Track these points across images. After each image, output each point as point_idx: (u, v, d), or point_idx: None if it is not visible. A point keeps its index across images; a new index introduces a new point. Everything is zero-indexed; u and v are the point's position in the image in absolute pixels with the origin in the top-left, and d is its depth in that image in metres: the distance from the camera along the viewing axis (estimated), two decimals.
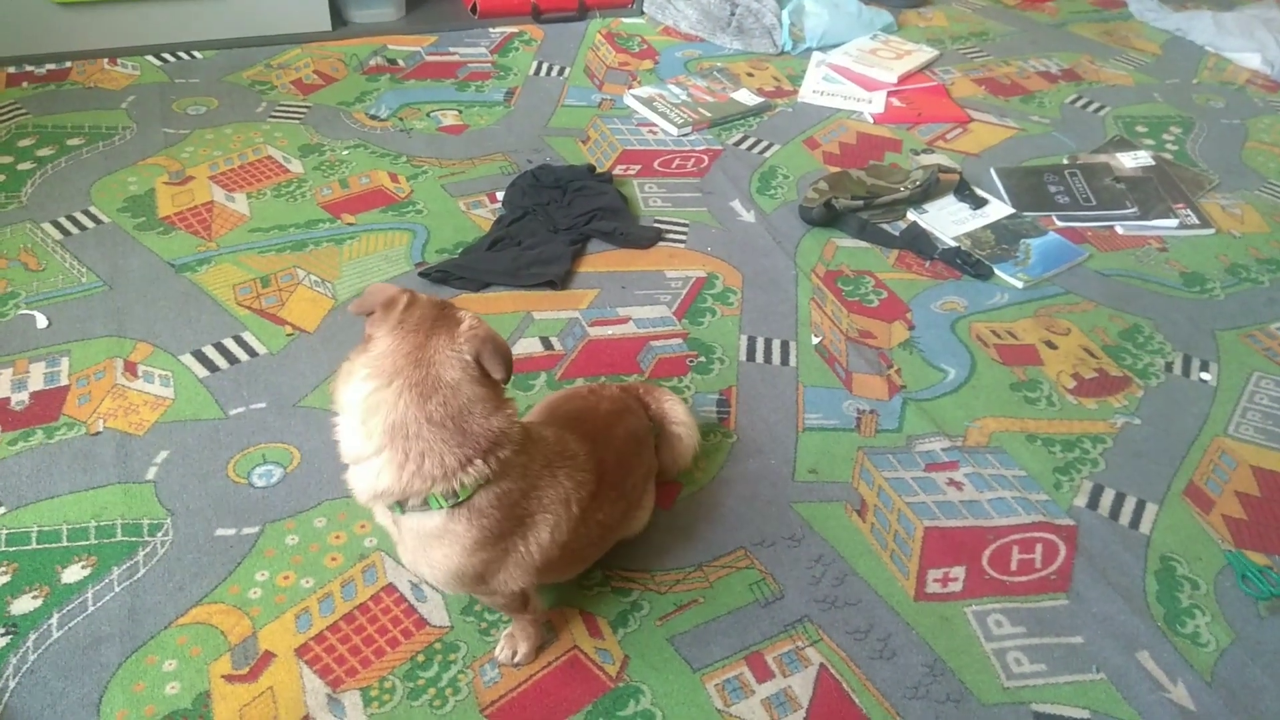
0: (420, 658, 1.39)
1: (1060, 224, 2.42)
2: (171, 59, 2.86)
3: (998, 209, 2.44)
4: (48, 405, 1.73)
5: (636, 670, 1.40)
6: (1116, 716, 1.38)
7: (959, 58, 3.28)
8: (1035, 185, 2.54)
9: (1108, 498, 1.71)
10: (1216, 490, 1.74)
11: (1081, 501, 1.70)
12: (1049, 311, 2.14)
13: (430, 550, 1.18)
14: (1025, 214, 2.43)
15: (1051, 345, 2.05)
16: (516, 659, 1.38)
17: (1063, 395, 1.92)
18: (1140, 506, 1.69)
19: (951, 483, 1.71)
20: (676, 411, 1.62)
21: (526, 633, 1.39)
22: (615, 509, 1.38)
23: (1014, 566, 1.58)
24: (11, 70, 2.74)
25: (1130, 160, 2.65)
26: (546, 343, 1.96)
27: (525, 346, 1.95)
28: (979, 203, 2.45)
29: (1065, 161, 2.67)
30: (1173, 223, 2.43)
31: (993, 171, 2.61)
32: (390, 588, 1.48)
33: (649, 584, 1.52)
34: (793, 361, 1.96)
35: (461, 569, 1.19)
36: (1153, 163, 2.64)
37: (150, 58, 2.85)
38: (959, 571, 1.57)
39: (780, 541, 1.59)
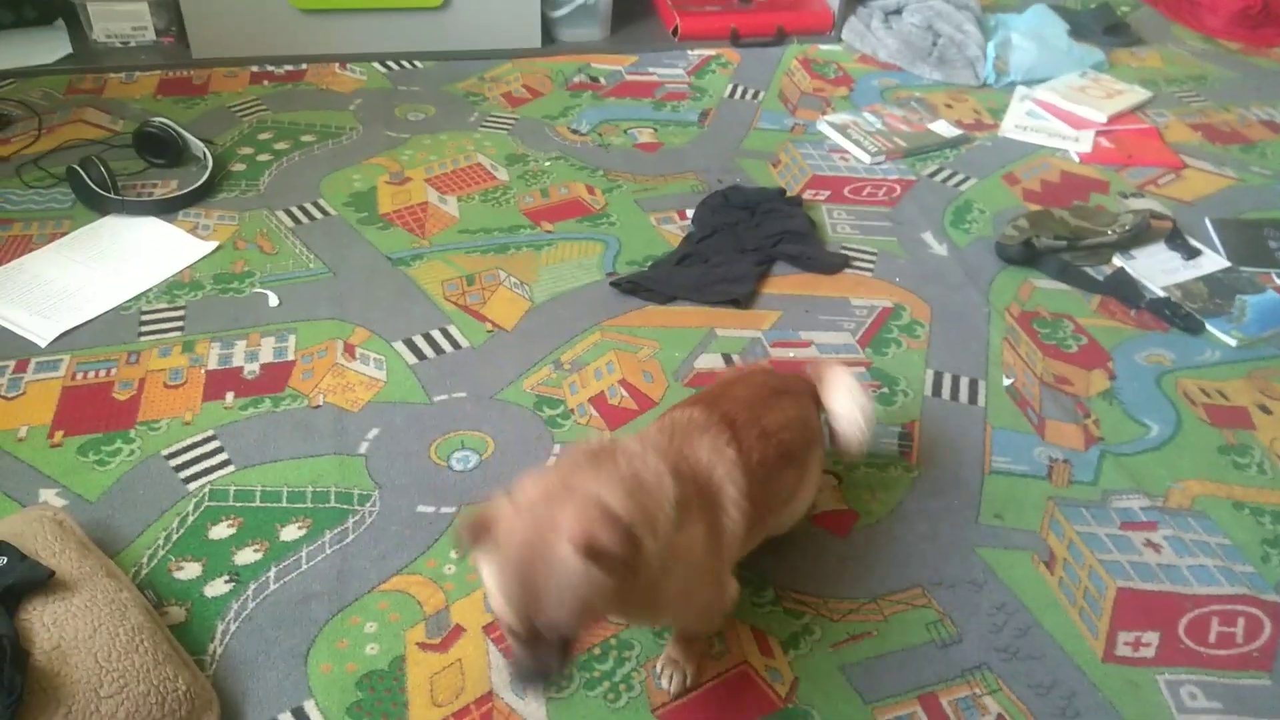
0: (596, 650, 1.44)
1: None
2: (395, 67, 3.08)
3: (1212, 261, 2.31)
4: (275, 377, 1.90)
5: (806, 694, 1.40)
6: None
7: (1174, 101, 3.12)
8: (1254, 239, 2.39)
9: None
10: None
11: None
12: (1265, 374, 2.01)
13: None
14: (1242, 268, 2.29)
15: (1266, 410, 1.92)
16: (685, 683, 1.39)
17: (1276, 464, 1.80)
18: None
19: (1149, 544, 1.63)
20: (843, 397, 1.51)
21: (693, 653, 1.40)
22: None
23: (1213, 639, 1.49)
24: (255, 70, 3.01)
25: None
26: (728, 359, 2.00)
27: (707, 361, 1.99)
28: (1192, 253, 2.32)
29: None
30: None
31: (1207, 221, 2.47)
32: None
33: (821, 609, 1.52)
34: (981, 401, 1.91)
35: None
36: None
37: (377, 65, 3.08)
38: (1152, 637, 1.49)
39: (961, 584, 1.56)
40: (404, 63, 3.10)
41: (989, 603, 1.53)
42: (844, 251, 2.33)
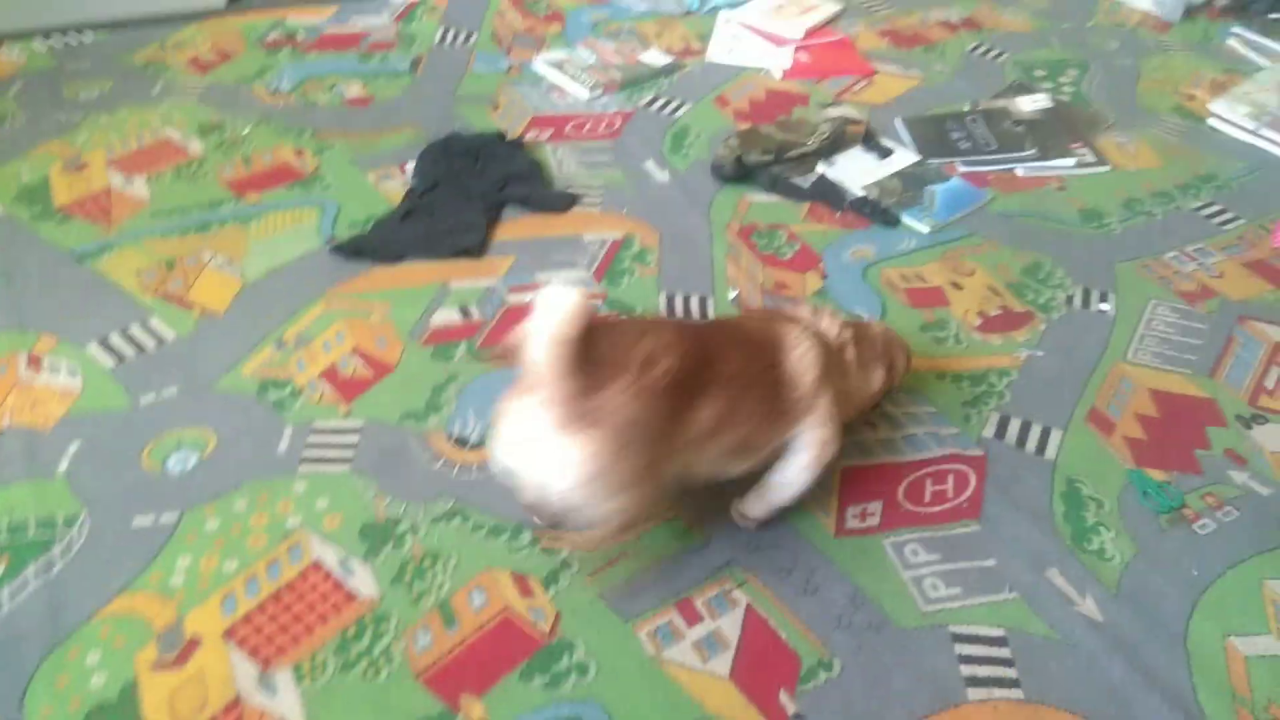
0: (351, 631, 1.39)
1: (963, 169, 2.48)
2: (60, 44, 2.74)
3: (903, 157, 2.50)
4: None
5: (569, 625, 1.42)
6: (1030, 632, 1.45)
7: (863, 11, 3.32)
8: (939, 133, 2.60)
9: (1014, 427, 1.77)
10: (1117, 414, 1.82)
11: (990, 432, 1.76)
12: (955, 254, 2.20)
13: None
14: (930, 161, 2.49)
15: (958, 286, 2.11)
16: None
17: (969, 333, 1.99)
18: (1046, 433, 1.77)
19: (866, 423, 1.76)
20: None
21: None
22: None
23: (928, 498, 1.64)
24: None
25: (1029, 104, 2.73)
26: (465, 312, 1.96)
27: (443, 317, 1.94)
28: (885, 152, 2.49)
29: (966, 109, 2.73)
30: (1070, 162, 2.51)
31: (898, 121, 2.66)
32: (316, 564, 1.48)
33: (577, 540, 1.53)
34: (711, 313, 1.99)
35: None
36: (1051, 105, 2.72)
37: (37, 42, 2.73)
38: (876, 506, 1.62)
39: (704, 494, 1.62)
40: (70, 37, 2.77)
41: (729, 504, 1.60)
42: (571, 190, 2.32)
